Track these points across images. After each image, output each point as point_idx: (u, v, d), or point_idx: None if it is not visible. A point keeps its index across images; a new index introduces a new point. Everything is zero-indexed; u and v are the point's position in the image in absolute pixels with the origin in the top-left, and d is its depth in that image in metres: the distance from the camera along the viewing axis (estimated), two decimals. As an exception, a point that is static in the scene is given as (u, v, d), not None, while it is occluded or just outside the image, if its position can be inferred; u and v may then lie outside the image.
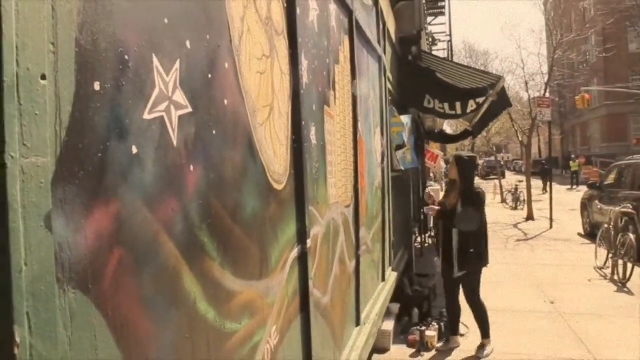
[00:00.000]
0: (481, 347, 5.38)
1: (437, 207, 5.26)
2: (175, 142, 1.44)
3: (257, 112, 2.06)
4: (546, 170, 31.64)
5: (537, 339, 5.82)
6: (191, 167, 1.53)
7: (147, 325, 1.31)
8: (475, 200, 5.17)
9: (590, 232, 12.70)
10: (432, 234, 9.80)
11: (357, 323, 4.10)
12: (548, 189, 29.81)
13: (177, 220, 1.45)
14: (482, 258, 5.30)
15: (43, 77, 0.99)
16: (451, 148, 25.57)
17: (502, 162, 40.00)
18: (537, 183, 23.22)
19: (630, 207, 9.84)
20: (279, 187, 2.30)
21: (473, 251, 5.20)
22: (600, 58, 36.58)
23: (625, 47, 39.31)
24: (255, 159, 2.04)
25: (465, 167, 5.24)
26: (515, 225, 15.60)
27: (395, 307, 6.14)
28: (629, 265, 8.13)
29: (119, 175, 1.21)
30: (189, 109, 1.52)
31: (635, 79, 38.16)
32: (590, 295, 7.57)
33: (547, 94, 17.72)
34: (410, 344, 5.65)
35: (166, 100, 1.40)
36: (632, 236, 8.35)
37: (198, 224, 1.56)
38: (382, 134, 5.76)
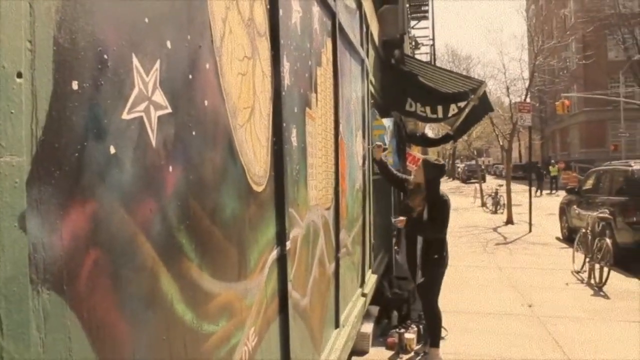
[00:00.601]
0: (427, 355, 5.35)
1: (404, 219, 5.24)
2: (154, 143, 1.43)
3: (238, 113, 2.05)
4: (540, 174, 32.06)
5: (514, 342, 5.88)
6: (170, 168, 1.52)
7: (124, 326, 1.30)
8: (441, 208, 5.17)
9: (569, 237, 12.87)
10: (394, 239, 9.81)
11: (337, 325, 4.10)
12: (540, 192, 30.28)
13: (155, 221, 1.44)
14: (444, 263, 5.31)
15: (19, 75, 0.98)
16: (433, 152, 25.71)
17: (483, 166, 40.32)
18: (516, 187, 23.39)
19: (608, 212, 9.99)
20: (259, 189, 2.29)
21: (437, 257, 5.21)
22: (580, 65, 37.02)
23: (605, 54, 39.89)
24: (236, 160, 2.04)
25: (432, 173, 5.24)
26: (495, 229, 15.75)
27: (375, 309, 6.16)
28: (606, 269, 8.26)
29: (96, 176, 1.20)
30: (169, 110, 1.51)
31: (614, 86, 38.71)
32: (567, 299, 7.67)
33: (528, 100, 17.90)
34: (389, 347, 5.68)
35: (146, 100, 1.39)
36: (608, 241, 8.47)
37: (177, 225, 1.55)
38: (364, 137, 5.76)
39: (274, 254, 2.50)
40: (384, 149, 5.81)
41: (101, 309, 1.20)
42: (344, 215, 4.41)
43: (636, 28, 36.13)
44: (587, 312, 7.00)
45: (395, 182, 5.88)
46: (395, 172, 5.83)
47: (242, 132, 2.10)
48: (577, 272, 9.30)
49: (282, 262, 2.59)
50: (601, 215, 9.69)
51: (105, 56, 1.24)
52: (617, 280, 8.63)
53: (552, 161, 35.85)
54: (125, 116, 1.30)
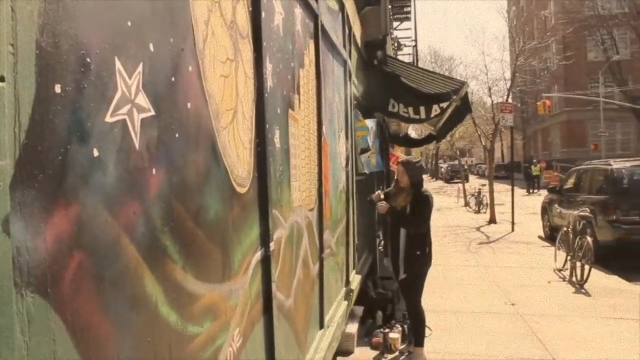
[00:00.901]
0: (411, 355, 5.39)
1: (387, 205, 5.27)
2: (137, 146, 1.43)
3: (220, 115, 2.05)
4: (528, 174, 32.37)
5: (498, 339, 5.94)
6: (154, 171, 1.52)
7: (108, 329, 1.30)
8: (423, 203, 5.20)
9: (550, 235, 13.03)
10: (380, 235, 9.83)
11: (321, 326, 4.11)
12: (529, 191, 30.58)
13: (139, 223, 1.44)
14: (427, 260, 5.33)
15: (2, 79, 0.98)
16: (416, 152, 25.87)
17: (465, 166, 40.52)
18: (499, 187, 23.58)
19: (588, 211, 10.14)
20: (242, 190, 2.30)
21: (419, 253, 5.23)
22: (561, 66, 37.45)
23: (585, 55, 40.38)
24: (219, 162, 2.04)
25: (415, 173, 5.27)
26: (478, 229, 15.88)
27: (360, 309, 6.18)
28: (587, 267, 8.36)
29: (79, 179, 1.20)
30: (152, 112, 1.51)
31: (594, 87, 39.12)
32: (549, 297, 7.76)
33: (510, 100, 18.08)
34: (374, 347, 5.70)
35: (129, 103, 1.40)
36: (589, 239, 8.59)
37: (160, 228, 1.55)
38: (347, 137, 5.78)
39: (258, 255, 2.50)
40: (380, 198, 5.61)
41: (85, 312, 1.20)
42: (328, 216, 4.42)
43: (614, 29, 36.64)
44: (569, 310, 7.09)
45: (398, 215, 5.48)
46: (392, 208, 5.45)
47: (225, 134, 2.11)
48: (559, 270, 9.42)
49: (266, 263, 2.59)
50: (582, 213, 9.82)
51: (88, 59, 1.24)
52: (597, 278, 8.76)
53: (534, 160, 36.23)
54: (108, 119, 1.30)
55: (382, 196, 5.54)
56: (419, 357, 5.28)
